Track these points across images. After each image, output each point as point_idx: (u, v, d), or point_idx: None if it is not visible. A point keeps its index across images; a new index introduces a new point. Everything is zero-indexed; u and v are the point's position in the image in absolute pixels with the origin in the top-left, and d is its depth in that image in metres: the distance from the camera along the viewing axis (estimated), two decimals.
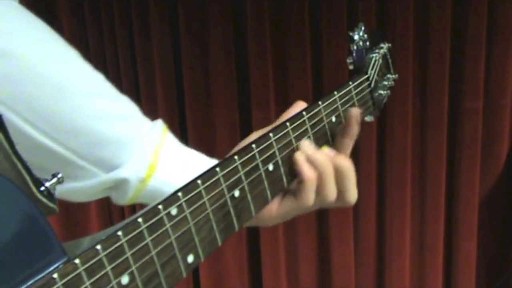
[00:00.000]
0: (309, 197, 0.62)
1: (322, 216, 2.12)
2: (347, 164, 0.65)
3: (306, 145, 0.64)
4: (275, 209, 0.65)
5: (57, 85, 0.56)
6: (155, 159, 0.62)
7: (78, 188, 0.61)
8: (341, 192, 0.65)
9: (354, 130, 0.69)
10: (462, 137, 1.97)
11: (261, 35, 1.92)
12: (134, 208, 2.09)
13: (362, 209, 2.10)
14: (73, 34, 2.00)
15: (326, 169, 0.63)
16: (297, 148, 0.63)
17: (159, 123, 0.66)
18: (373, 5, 1.88)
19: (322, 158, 0.63)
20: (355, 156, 2.00)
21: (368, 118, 0.81)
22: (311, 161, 0.63)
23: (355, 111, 0.69)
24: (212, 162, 0.67)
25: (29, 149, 0.55)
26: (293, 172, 0.63)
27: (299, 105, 0.68)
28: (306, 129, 0.65)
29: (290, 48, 1.94)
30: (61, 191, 0.59)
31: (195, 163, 0.66)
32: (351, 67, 0.80)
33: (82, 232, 2.13)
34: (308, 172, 0.62)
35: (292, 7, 1.90)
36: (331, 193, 0.64)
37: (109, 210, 2.21)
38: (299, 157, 0.63)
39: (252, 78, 1.97)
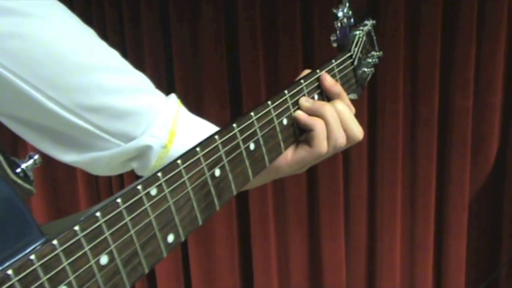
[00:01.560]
0: (322, 144, 0.66)
1: (313, 214, 2.12)
2: (339, 106, 0.69)
3: (304, 100, 0.68)
4: (290, 156, 0.68)
5: (76, 64, 0.58)
6: (174, 126, 0.64)
7: (102, 157, 0.63)
8: (346, 131, 0.68)
9: (333, 89, 0.71)
10: (452, 136, 1.98)
11: (252, 32, 1.92)
12: None
13: (353, 207, 2.10)
14: None
15: (328, 114, 0.66)
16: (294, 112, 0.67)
17: (173, 96, 0.68)
18: (364, 4, 1.89)
19: (323, 105, 0.67)
20: (345, 154, 2.02)
21: (352, 96, 0.81)
22: (313, 112, 0.67)
23: (322, 76, 0.71)
24: None
25: (57, 124, 0.60)
26: (302, 129, 0.67)
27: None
28: (288, 107, 0.65)
29: (282, 44, 1.95)
30: (86, 161, 0.63)
31: (210, 130, 0.67)
32: (334, 44, 0.80)
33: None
34: (315, 122, 0.66)
35: (284, 5, 1.91)
36: (341, 135, 0.67)
37: (98, 197, 2.21)
38: (301, 114, 0.66)
39: (243, 75, 1.97)
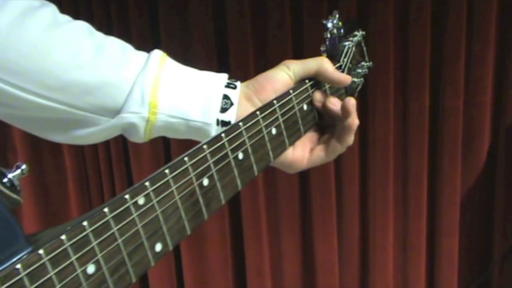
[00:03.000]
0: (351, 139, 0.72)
1: (305, 215, 2.12)
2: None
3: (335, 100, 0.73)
4: (306, 160, 0.72)
5: (30, 45, 0.56)
6: (154, 96, 0.62)
7: (87, 134, 0.62)
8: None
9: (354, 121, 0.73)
10: (443, 135, 1.98)
11: (242, 31, 1.92)
12: None
13: (345, 207, 2.11)
14: None
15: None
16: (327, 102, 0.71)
17: (155, 54, 0.65)
18: (354, 4, 1.89)
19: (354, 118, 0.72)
20: None
21: None
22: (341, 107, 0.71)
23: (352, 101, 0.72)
24: (216, 76, 0.68)
25: (29, 110, 0.59)
26: (293, 138, 0.68)
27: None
28: (277, 117, 0.65)
29: (271, 44, 1.95)
30: (74, 137, 0.62)
31: (198, 85, 0.66)
32: (324, 55, 0.79)
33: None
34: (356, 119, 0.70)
35: (273, 3, 1.91)
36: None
37: (89, 200, 2.20)
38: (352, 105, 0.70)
39: (234, 75, 1.96)
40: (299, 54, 1.95)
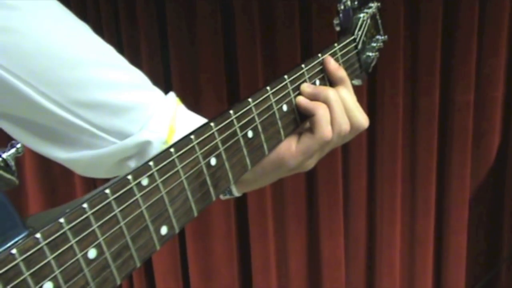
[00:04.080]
0: (325, 129, 0.62)
1: (312, 210, 2.11)
2: (343, 92, 0.66)
3: (305, 85, 0.65)
4: (294, 147, 0.64)
5: (69, 58, 0.56)
6: (173, 122, 0.62)
7: (98, 156, 0.61)
8: (350, 119, 0.65)
9: (337, 74, 0.68)
10: (453, 130, 1.96)
11: (250, 25, 1.90)
12: None
13: (352, 203, 2.09)
14: None
15: (332, 98, 0.63)
16: (295, 97, 0.64)
17: (172, 94, 0.66)
18: None
19: (325, 90, 0.64)
20: (344, 149, 2.00)
21: (356, 82, 0.77)
22: (315, 97, 0.64)
23: (326, 59, 0.68)
24: None
25: (48, 121, 0.57)
26: (304, 116, 0.64)
27: None
28: (288, 92, 0.62)
29: (279, 38, 1.92)
30: (82, 160, 0.60)
31: None
32: (337, 28, 0.76)
33: None
34: (316, 106, 0.62)
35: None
36: (345, 121, 0.64)
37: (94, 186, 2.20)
38: (302, 99, 0.64)
39: (241, 70, 1.95)
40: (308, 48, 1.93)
